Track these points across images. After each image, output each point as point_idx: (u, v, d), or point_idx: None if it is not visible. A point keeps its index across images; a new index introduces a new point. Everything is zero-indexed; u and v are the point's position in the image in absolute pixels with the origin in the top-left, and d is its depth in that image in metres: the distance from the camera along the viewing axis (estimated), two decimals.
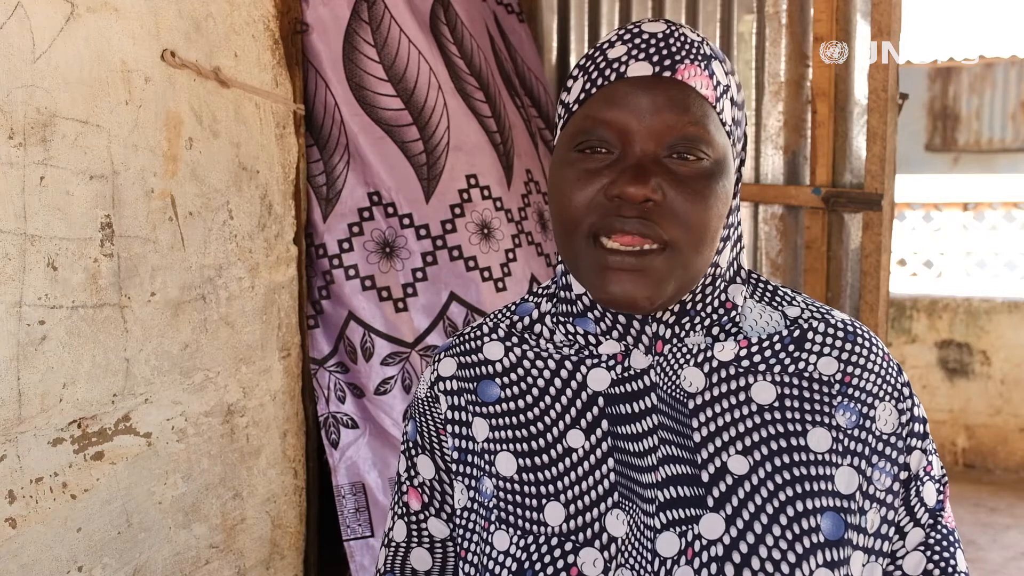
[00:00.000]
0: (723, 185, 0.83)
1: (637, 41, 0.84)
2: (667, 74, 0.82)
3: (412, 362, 2.06)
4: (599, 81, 0.83)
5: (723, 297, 0.89)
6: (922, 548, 0.88)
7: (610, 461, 0.87)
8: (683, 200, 0.80)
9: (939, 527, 0.89)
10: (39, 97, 1.36)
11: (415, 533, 0.99)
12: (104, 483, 1.51)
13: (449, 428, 0.95)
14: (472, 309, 2.12)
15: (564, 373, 0.91)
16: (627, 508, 0.85)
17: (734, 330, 0.89)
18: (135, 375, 1.55)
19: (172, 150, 1.61)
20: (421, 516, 0.98)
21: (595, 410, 0.89)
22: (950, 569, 0.88)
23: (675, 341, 0.88)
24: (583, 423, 0.89)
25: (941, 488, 0.90)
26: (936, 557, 0.88)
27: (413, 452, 0.99)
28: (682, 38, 0.84)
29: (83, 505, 1.47)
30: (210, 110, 1.69)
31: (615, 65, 0.83)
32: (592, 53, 0.87)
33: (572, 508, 0.87)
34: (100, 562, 1.50)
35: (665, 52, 0.83)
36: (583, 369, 0.90)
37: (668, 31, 0.84)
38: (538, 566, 0.86)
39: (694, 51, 0.84)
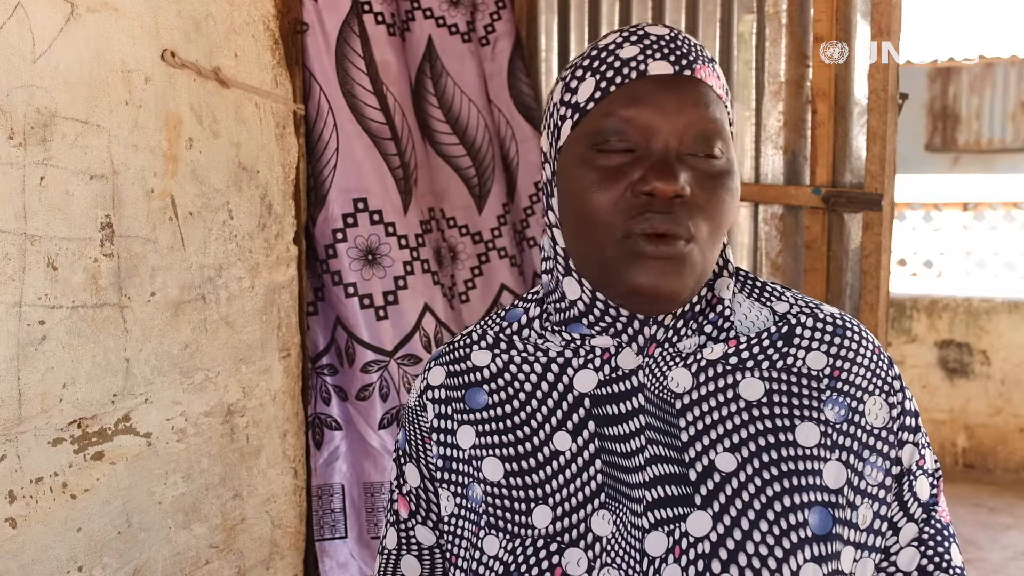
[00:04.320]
0: (735, 182, 0.85)
1: (647, 42, 0.85)
2: (687, 72, 0.83)
3: (390, 371, 2.09)
4: (617, 79, 0.84)
5: (709, 296, 0.89)
6: (916, 543, 0.88)
7: (597, 463, 0.87)
8: (706, 196, 0.82)
9: (933, 522, 0.88)
10: (39, 97, 1.36)
11: (404, 541, 1.00)
12: (104, 483, 1.51)
13: (434, 436, 0.95)
14: (440, 322, 2.19)
15: (551, 376, 0.91)
16: (614, 509, 0.85)
17: (726, 325, 0.89)
18: (135, 375, 1.55)
19: (172, 150, 1.61)
20: (409, 524, 0.99)
21: (581, 412, 0.89)
22: (944, 564, 0.87)
23: (667, 345, 0.88)
24: (569, 425, 0.89)
25: (935, 482, 0.90)
26: (930, 552, 0.87)
27: (402, 460, 0.99)
28: (688, 40, 0.86)
29: (83, 505, 1.47)
30: (210, 110, 1.69)
31: (632, 64, 0.84)
32: (597, 53, 0.87)
33: (559, 511, 0.87)
34: (100, 562, 1.50)
35: (679, 52, 0.84)
36: (570, 371, 0.90)
37: (673, 33, 0.86)
38: (523, 568, 0.85)
39: (702, 53, 0.86)
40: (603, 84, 0.84)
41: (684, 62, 0.84)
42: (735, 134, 2.67)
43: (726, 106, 0.86)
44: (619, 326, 0.88)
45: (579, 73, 0.87)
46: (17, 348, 1.35)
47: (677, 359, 0.87)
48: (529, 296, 0.98)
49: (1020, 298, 4.73)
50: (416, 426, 0.97)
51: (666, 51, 0.84)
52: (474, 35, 2.47)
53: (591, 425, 0.88)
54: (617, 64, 0.84)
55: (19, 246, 1.34)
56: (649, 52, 0.84)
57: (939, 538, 0.88)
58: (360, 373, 2.07)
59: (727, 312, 0.89)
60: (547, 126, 0.91)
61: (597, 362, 0.89)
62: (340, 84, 2.06)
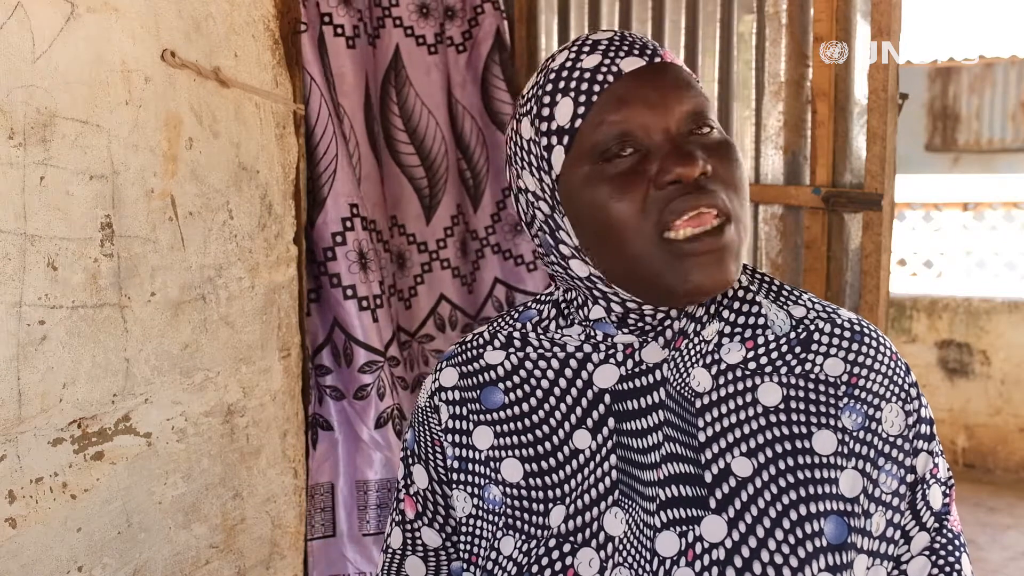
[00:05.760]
0: (739, 151, 0.84)
1: (603, 47, 0.84)
2: (657, 60, 0.83)
3: (385, 371, 2.13)
4: (595, 88, 0.82)
5: None
6: (927, 553, 0.87)
7: (612, 458, 0.86)
8: (724, 168, 0.81)
9: (944, 531, 0.88)
10: (39, 97, 1.36)
11: (410, 541, 0.99)
12: (104, 483, 1.51)
13: (449, 438, 0.94)
14: (401, 327, 2.30)
15: (568, 372, 0.90)
16: (626, 506, 0.85)
17: (752, 321, 0.88)
18: (135, 375, 1.55)
19: (172, 150, 1.61)
20: (416, 524, 0.98)
21: (601, 408, 0.88)
22: (954, 574, 0.87)
23: (692, 335, 0.87)
24: (589, 422, 0.88)
25: (947, 491, 0.89)
26: (941, 562, 0.87)
27: (410, 461, 0.98)
28: (636, 35, 0.86)
29: (83, 505, 1.47)
30: (210, 110, 1.69)
31: (604, 69, 0.82)
32: (557, 76, 0.85)
33: (572, 509, 0.86)
34: (100, 562, 1.50)
35: (640, 45, 0.84)
36: (589, 367, 0.89)
37: (621, 34, 0.86)
38: (535, 568, 0.85)
39: (655, 42, 0.87)
40: (582, 98, 0.83)
41: (649, 51, 0.83)
42: (735, 134, 2.66)
43: (699, 81, 0.86)
44: (648, 327, 0.87)
45: (547, 99, 0.85)
46: (17, 348, 1.35)
47: (698, 356, 0.86)
48: (544, 297, 0.96)
49: (1020, 298, 4.73)
50: (426, 427, 0.96)
51: (626, 48, 0.83)
52: (441, 46, 2.48)
53: (611, 422, 0.87)
54: (587, 75, 0.83)
55: (19, 246, 1.34)
56: (613, 53, 0.83)
57: (950, 547, 0.87)
58: (358, 373, 2.09)
59: (747, 297, 0.88)
60: (526, 165, 0.88)
61: (619, 356, 0.88)
62: (332, 90, 2.09)
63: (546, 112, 0.85)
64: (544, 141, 0.85)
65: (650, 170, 0.80)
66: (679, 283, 0.80)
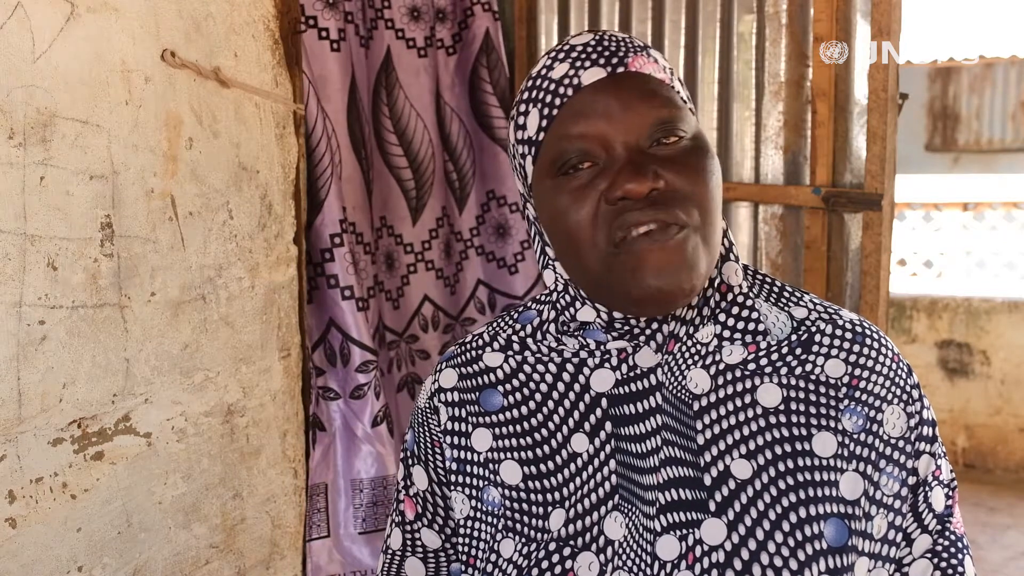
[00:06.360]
0: (711, 158, 0.83)
1: (575, 55, 0.84)
2: (620, 69, 0.82)
3: (379, 370, 2.15)
4: (556, 101, 0.83)
5: (718, 282, 0.87)
6: (929, 555, 0.86)
7: (612, 463, 0.86)
8: (682, 180, 0.79)
9: (947, 533, 0.87)
10: (39, 97, 1.36)
11: (409, 542, 0.99)
12: (104, 483, 1.51)
13: (448, 439, 0.94)
14: (387, 327, 2.34)
15: (566, 376, 0.90)
16: (627, 511, 0.85)
17: (751, 327, 0.87)
18: (135, 375, 1.55)
19: (172, 150, 1.61)
20: (415, 525, 0.98)
21: (599, 412, 0.88)
22: None
23: (685, 338, 0.86)
24: (587, 426, 0.88)
25: (950, 493, 0.88)
26: (944, 564, 0.86)
27: (410, 462, 0.99)
28: (614, 38, 0.85)
29: (83, 505, 1.47)
30: (210, 110, 1.69)
31: (566, 81, 0.83)
32: (533, 83, 0.86)
33: (572, 512, 0.86)
34: (100, 562, 1.50)
35: (608, 53, 0.83)
36: (586, 371, 0.89)
37: (598, 37, 0.86)
38: (535, 571, 0.85)
39: (631, 44, 0.85)
40: (545, 111, 0.84)
41: (615, 60, 0.83)
42: (735, 134, 2.65)
43: (672, 86, 0.84)
44: (637, 331, 0.87)
45: (523, 107, 0.87)
46: (17, 348, 1.35)
47: (695, 358, 0.86)
48: (543, 298, 0.96)
49: (1020, 298, 4.73)
50: (426, 428, 0.97)
51: (594, 56, 0.83)
52: (431, 49, 2.48)
53: (608, 426, 0.87)
54: (552, 87, 0.84)
55: (19, 246, 1.34)
56: (579, 63, 0.83)
57: (953, 550, 0.87)
58: (355, 373, 2.10)
59: (746, 303, 0.87)
60: (514, 168, 0.90)
61: (614, 361, 0.88)
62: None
63: (521, 121, 0.87)
64: (520, 149, 0.87)
65: (602, 184, 0.80)
66: (633, 288, 0.79)
